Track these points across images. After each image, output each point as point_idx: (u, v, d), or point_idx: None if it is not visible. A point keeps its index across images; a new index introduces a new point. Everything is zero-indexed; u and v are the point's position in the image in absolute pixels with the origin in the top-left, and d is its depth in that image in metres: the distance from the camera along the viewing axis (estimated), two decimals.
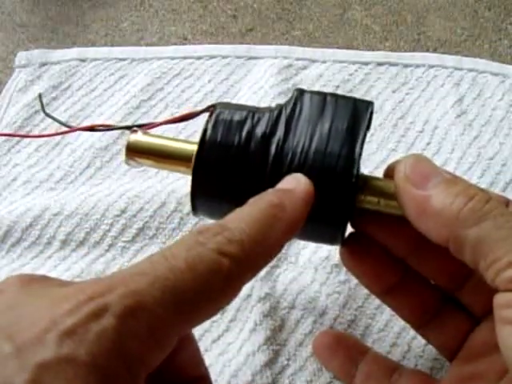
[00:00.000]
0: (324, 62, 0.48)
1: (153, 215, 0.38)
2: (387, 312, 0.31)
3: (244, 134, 0.26)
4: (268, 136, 0.26)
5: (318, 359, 0.32)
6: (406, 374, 0.29)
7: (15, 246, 0.38)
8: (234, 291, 0.20)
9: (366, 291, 0.31)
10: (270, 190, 0.24)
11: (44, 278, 0.21)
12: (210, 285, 0.19)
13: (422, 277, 0.29)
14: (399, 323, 0.31)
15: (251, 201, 0.23)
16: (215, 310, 0.20)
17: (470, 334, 0.27)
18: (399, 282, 0.28)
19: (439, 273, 0.28)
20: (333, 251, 0.36)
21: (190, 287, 0.19)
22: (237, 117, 0.26)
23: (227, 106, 0.27)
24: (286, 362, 0.32)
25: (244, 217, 0.21)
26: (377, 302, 0.30)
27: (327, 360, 0.31)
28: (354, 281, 0.34)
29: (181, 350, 0.23)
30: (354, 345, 0.31)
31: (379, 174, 0.28)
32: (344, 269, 0.35)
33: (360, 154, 0.25)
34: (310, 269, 0.36)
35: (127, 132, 0.32)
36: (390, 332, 0.33)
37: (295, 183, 0.24)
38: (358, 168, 0.25)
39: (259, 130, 0.26)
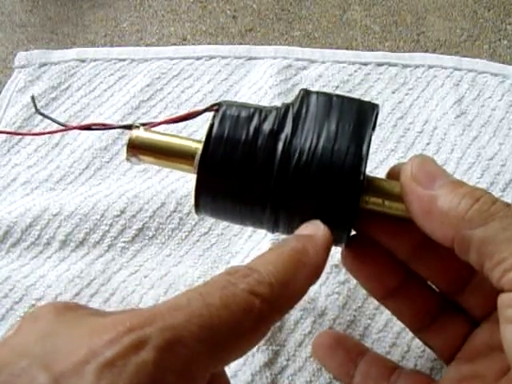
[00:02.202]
0: (323, 62, 0.48)
1: (152, 215, 0.38)
2: (387, 312, 0.31)
3: (251, 129, 0.26)
4: (275, 132, 0.26)
5: (318, 360, 0.32)
6: (405, 375, 0.29)
7: (15, 247, 0.38)
8: (263, 331, 0.21)
9: (365, 292, 0.31)
10: (291, 236, 0.24)
11: (78, 307, 0.21)
12: (242, 323, 0.20)
13: (422, 281, 0.29)
14: (399, 324, 0.31)
15: (275, 246, 0.24)
16: (245, 350, 0.21)
17: (470, 336, 0.27)
18: (400, 285, 0.29)
19: (440, 276, 0.28)
20: (332, 251, 0.36)
21: (224, 324, 0.19)
22: (244, 113, 0.26)
23: (233, 103, 0.27)
24: (285, 363, 0.32)
25: (271, 260, 0.22)
26: (376, 302, 0.30)
27: (326, 360, 0.31)
28: (354, 281, 0.34)
29: None
30: (353, 345, 0.31)
31: (379, 173, 0.28)
32: (343, 269, 0.35)
33: (367, 153, 0.25)
34: None
35: (127, 132, 0.32)
36: (390, 332, 0.33)
37: (315, 229, 0.24)
38: (365, 166, 0.25)
39: (267, 127, 0.26)
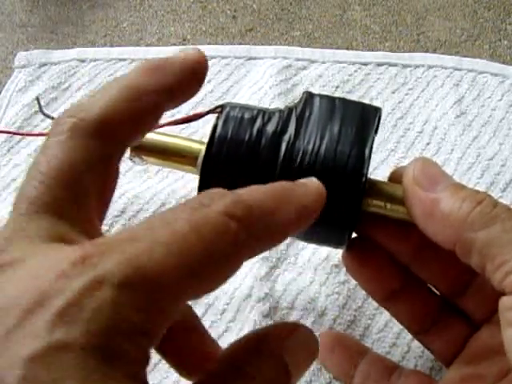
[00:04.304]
0: (323, 62, 0.48)
1: (152, 216, 0.38)
2: (387, 313, 0.31)
3: (255, 131, 0.26)
4: (279, 134, 0.26)
5: (318, 359, 0.32)
6: (406, 375, 0.29)
7: None
8: (240, 259, 0.18)
9: (365, 292, 0.31)
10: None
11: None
12: (216, 248, 0.17)
13: (422, 283, 0.29)
14: (399, 324, 0.31)
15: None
16: (220, 279, 0.18)
17: (470, 339, 0.27)
18: (400, 288, 0.29)
19: (441, 279, 0.28)
20: (332, 251, 0.36)
21: (195, 250, 0.17)
22: (247, 114, 0.26)
23: (236, 105, 0.27)
24: None
25: (254, 187, 0.20)
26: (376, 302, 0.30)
27: (326, 360, 0.31)
28: (354, 281, 0.34)
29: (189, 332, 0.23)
30: (353, 345, 0.31)
31: (379, 174, 0.28)
32: (343, 269, 0.35)
33: (369, 156, 0.25)
34: (310, 269, 0.36)
35: None
36: (390, 332, 0.33)
37: (308, 180, 0.23)
38: (368, 169, 0.25)
39: (270, 128, 0.26)
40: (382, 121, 0.44)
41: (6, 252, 0.17)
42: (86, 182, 0.19)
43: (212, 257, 0.17)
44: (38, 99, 0.41)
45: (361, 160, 0.25)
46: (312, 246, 0.37)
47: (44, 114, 0.37)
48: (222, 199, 0.18)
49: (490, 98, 0.45)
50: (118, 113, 0.20)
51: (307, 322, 0.34)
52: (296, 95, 0.44)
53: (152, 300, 0.16)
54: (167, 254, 0.16)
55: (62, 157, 0.19)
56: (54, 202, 0.18)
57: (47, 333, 0.14)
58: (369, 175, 0.27)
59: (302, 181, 0.22)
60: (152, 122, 0.22)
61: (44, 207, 0.18)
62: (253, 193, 0.19)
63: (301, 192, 0.21)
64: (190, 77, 0.23)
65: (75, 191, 0.19)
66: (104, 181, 0.20)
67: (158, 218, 0.18)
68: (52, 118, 0.34)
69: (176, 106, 0.23)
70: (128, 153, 0.28)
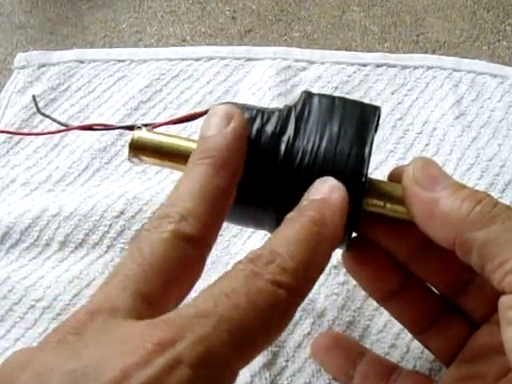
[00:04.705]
0: (323, 63, 0.48)
1: (151, 217, 0.38)
2: (386, 313, 0.31)
3: (254, 131, 0.26)
4: (278, 134, 0.26)
5: (317, 360, 0.32)
6: (405, 376, 0.29)
7: (14, 248, 0.38)
8: (288, 321, 0.21)
9: (364, 293, 0.31)
10: (306, 204, 0.23)
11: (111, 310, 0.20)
12: (270, 319, 0.20)
13: (422, 283, 0.29)
14: (398, 325, 0.31)
15: (290, 218, 0.23)
16: (272, 341, 0.21)
17: (470, 338, 0.27)
18: (400, 287, 0.29)
19: (440, 278, 0.28)
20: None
21: (253, 325, 0.19)
22: (246, 114, 0.26)
23: (235, 105, 0.27)
24: (284, 364, 0.32)
25: (290, 239, 0.21)
26: (375, 303, 0.30)
27: (325, 361, 0.31)
28: (353, 282, 0.34)
29: None
30: (352, 346, 0.31)
31: (378, 175, 0.28)
32: (343, 270, 0.35)
33: (369, 155, 0.25)
34: None
35: (126, 133, 0.32)
36: (389, 333, 0.33)
37: (328, 190, 0.23)
38: (367, 169, 0.25)
39: (269, 128, 0.26)
40: (381, 122, 0.44)
41: (93, 319, 0.19)
42: (177, 275, 0.21)
43: (266, 329, 0.20)
44: (34, 98, 0.40)
45: (360, 159, 0.25)
46: None
47: (40, 113, 0.37)
48: (269, 266, 0.20)
49: (489, 98, 0.45)
50: (209, 224, 0.22)
51: (306, 323, 0.34)
52: (295, 96, 0.44)
53: (221, 375, 0.18)
54: (231, 331, 0.18)
55: (161, 250, 0.21)
56: (145, 285, 0.20)
57: None
58: (368, 175, 0.27)
59: (322, 194, 0.23)
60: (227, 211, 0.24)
61: (134, 287, 0.20)
62: (292, 248, 0.21)
63: (329, 217, 0.22)
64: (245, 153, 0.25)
65: (165, 280, 0.21)
66: (192, 276, 0.22)
67: (217, 289, 0.20)
68: (49, 117, 0.34)
69: None
70: (127, 153, 0.28)
